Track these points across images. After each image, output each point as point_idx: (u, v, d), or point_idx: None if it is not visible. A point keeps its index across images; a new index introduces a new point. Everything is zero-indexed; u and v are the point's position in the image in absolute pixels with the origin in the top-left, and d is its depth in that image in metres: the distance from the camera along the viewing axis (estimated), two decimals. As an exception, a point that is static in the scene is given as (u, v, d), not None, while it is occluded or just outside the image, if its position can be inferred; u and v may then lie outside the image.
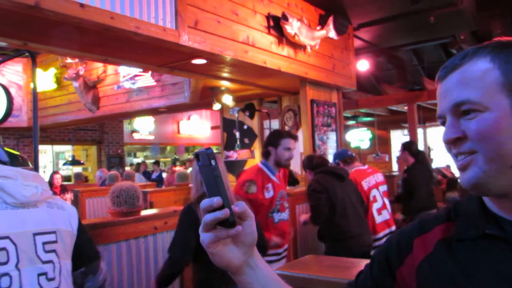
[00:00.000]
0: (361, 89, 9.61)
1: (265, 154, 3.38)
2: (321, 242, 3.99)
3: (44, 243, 1.53)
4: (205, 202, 0.72)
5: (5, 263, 1.42)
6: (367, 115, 13.35)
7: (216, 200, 0.71)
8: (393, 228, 4.06)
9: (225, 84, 6.02)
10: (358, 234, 3.63)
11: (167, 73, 5.06)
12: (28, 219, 1.53)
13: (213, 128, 16.32)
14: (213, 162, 0.72)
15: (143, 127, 14.41)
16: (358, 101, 10.10)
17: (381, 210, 4.05)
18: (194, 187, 2.54)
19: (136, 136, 14.35)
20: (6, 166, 1.63)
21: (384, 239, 3.91)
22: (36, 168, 3.11)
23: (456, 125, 0.74)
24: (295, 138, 3.41)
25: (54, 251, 1.56)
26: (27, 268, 1.46)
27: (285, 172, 3.62)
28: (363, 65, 8.03)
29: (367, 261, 1.68)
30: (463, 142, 0.73)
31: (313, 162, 4.03)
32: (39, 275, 1.49)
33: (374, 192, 4.06)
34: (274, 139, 3.35)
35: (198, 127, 16.40)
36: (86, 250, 1.76)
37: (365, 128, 14.32)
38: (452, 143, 0.75)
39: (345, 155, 4.37)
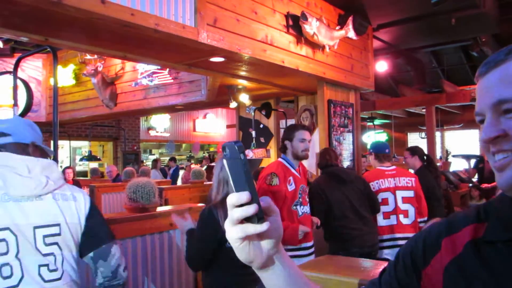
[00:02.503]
0: (378, 91, 9.53)
1: (283, 149, 3.46)
2: (326, 242, 4.00)
3: (44, 236, 1.55)
4: (233, 197, 0.70)
5: (5, 253, 1.45)
6: (384, 116, 13.25)
7: (245, 195, 0.69)
8: (397, 235, 3.93)
9: (242, 82, 6.03)
10: (358, 235, 3.67)
11: (185, 70, 5.07)
12: (30, 212, 1.54)
13: (228, 126, 16.34)
14: (242, 156, 0.69)
15: (159, 124, 14.50)
16: (376, 102, 10.01)
17: (389, 215, 3.93)
18: (215, 187, 2.47)
19: (152, 133, 14.45)
20: (17, 155, 1.61)
21: (385, 243, 3.88)
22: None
23: (496, 123, 0.71)
24: (309, 130, 3.52)
25: (56, 243, 1.57)
26: (27, 258, 1.49)
27: (304, 168, 3.66)
28: (382, 66, 7.96)
29: (386, 263, 1.66)
30: (505, 140, 0.70)
31: (322, 161, 4.02)
32: (40, 266, 1.51)
33: (386, 195, 3.95)
34: (289, 133, 3.44)
35: (213, 126, 16.46)
36: (93, 235, 1.73)
37: (381, 130, 14.22)
38: (491, 142, 0.72)
39: (383, 151, 4.20)
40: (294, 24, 4.47)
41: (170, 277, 3.24)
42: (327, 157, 3.98)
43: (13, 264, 1.45)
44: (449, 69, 10.00)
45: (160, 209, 3.29)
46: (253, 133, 6.84)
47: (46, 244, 1.54)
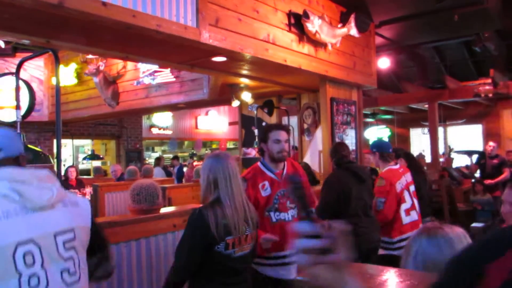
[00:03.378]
0: (381, 87, 9.49)
1: (261, 152, 3.29)
2: None
3: (64, 242, 1.62)
4: (303, 227, 0.75)
5: (32, 264, 1.50)
6: (387, 112, 13.21)
7: (316, 230, 0.75)
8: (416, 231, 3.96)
9: (244, 81, 6.02)
10: (366, 233, 3.71)
11: (187, 70, 5.07)
12: (48, 221, 1.60)
13: (231, 124, 16.33)
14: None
15: (162, 122, 14.50)
16: (378, 98, 9.98)
17: (409, 211, 3.95)
18: (204, 189, 2.39)
19: (154, 131, 14.45)
20: (22, 169, 1.68)
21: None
22: (58, 163, 3.16)
23: None
24: (284, 129, 3.25)
25: (73, 248, 1.64)
26: (51, 266, 1.55)
27: (297, 170, 3.42)
28: (384, 63, 7.94)
29: (391, 268, 1.64)
30: None
31: (338, 156, 3.96)
32: (62, 271, 1.58)
33: (404, 193, 3.97)
34: (263, 135, 3.24)
35: (216, 123, 16.46)
36: (98, 238, 1.83)
37: (384, 126, 14.19)
38: None
39: (387, 150, 4.12)
40: (296, 22, 4.45)
41: (175, 278, 3.24)
42: (343, 153, 3.94)
43: (39, 274, 1.52)
44: (452, 64, 9.95)
45: (163, 210, 3.29)
46: (256, 131, 6.82)
47: (66, 249, 1.61)
